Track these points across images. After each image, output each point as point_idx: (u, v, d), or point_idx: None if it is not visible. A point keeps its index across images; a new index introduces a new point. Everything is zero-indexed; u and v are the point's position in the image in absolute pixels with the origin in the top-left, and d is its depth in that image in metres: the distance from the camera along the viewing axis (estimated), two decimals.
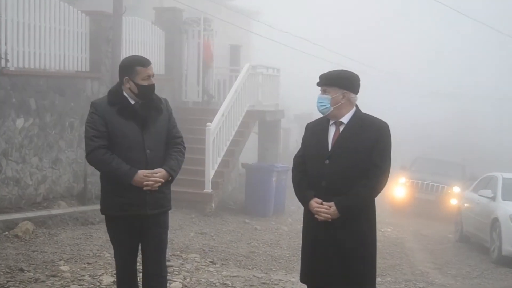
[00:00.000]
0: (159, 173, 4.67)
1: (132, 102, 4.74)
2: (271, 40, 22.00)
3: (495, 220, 11.96)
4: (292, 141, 22.53)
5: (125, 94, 4.74)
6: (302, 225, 4.80)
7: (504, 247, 11.41)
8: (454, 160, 20.94)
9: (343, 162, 4.48)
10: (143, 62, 4.74)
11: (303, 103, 24.33)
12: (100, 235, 9.30)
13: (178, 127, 4.98)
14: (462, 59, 39.83)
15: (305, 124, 4.95)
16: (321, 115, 4.78)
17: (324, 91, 4.58)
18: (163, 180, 4.68)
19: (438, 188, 17.86)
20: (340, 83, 4.58)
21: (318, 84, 4.64)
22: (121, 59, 12.36)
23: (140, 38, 13.92)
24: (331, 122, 4.63)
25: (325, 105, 4.58)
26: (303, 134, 4.92)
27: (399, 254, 11.46)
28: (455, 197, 17.18)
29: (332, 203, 4.45)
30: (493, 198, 12.70)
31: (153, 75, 4.76)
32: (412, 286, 8.77)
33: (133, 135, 4.66)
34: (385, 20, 41.12)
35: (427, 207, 17.66)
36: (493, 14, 33.18)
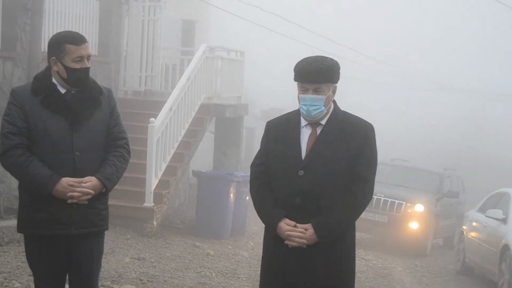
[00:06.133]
0: (89, 183, 4.66)
1: (63, 91, 4.74)
2: (234, 16, 22.02)
3: (506, 248, 12.15)
4: (257, 144, 22.55)
5: (54, 80, 4.74)
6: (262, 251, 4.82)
7: None
8: (430, 168, 19.41)
9: (322, 173, 4.53)
10: (75, 39, 4.74)
11: (273, 96, 24.43)
12: (9, 259, 9.19)
13: (123, 126, 5.00)
14: (477, 47, 40.31)
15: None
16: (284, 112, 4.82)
17: (316, 90, 4.56)
18: (93, 192, 4.67)
19: (393, 205, 16.16)
20: (335, 77, 4.62)
21: (306, 81, 4.58)
22: (43, 33, 12.33)
23: (67, 8, 13.81)
24: (304, 122, 4.65)
25: (319, 108, 4.58)
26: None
27: None
28: (416, 218, 16.11)
29: (308, 225, 4.51)
30: (504, 220, 12.89)
31: (88, 57, 4.75)
32: None
33: (58, 133, 4.66)
34: None
35: (376, 232, 16.45)
36: None
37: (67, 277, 4.91)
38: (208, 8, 23.24)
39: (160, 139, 12.57)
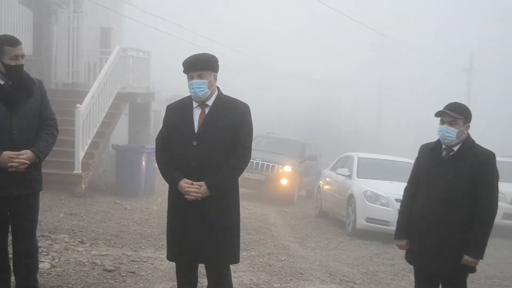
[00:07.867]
0: (25, 155, 4.64)
1: (2, 82, 4.69)
2: (142, 24, 21.81)
3: (351, 197, 12.67)
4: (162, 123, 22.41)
5: None
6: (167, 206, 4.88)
7: (358, 220, 12.14)
8: (295, 139, 19.69)
9: (211, 143, 4.59)
10: (12, 42, 4.69)
11: (175, 86, 24.37)
12: None
13: (52, 109, 4.97)
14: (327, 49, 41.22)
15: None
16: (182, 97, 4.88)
17: (200, 76, 4.60)
18: (29, 162, 4.65)
19: (268, 167, 16.50)
20: (213, 66, 4.66)
21: (191, 70, 4.62)
22: None
23: (5, 18, 13.37)
24: (195, 104, 4.71)
25: (203, 90, 4.61)
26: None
27: (264, 230, 11.76)
28: (286, 176, 16.51)
29: (202, 183, 4.56)
30: (349, 176, 13.38)
31: (22, 56, 4.71)
32: (275, 259, 9.07)
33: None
34: (256, 9, 41.83)
35: (256, 188, 16.66)
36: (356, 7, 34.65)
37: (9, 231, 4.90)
38: (122, 18, 22.90)
39: (85, 121, 12.43)
